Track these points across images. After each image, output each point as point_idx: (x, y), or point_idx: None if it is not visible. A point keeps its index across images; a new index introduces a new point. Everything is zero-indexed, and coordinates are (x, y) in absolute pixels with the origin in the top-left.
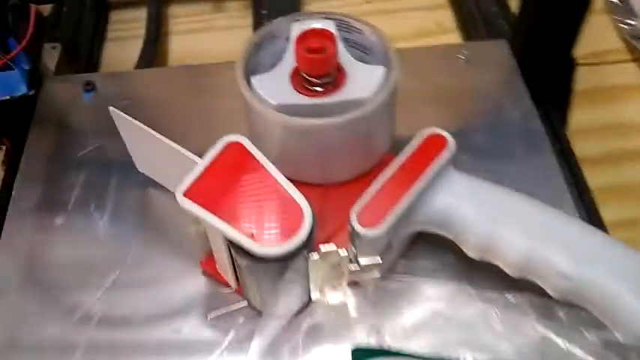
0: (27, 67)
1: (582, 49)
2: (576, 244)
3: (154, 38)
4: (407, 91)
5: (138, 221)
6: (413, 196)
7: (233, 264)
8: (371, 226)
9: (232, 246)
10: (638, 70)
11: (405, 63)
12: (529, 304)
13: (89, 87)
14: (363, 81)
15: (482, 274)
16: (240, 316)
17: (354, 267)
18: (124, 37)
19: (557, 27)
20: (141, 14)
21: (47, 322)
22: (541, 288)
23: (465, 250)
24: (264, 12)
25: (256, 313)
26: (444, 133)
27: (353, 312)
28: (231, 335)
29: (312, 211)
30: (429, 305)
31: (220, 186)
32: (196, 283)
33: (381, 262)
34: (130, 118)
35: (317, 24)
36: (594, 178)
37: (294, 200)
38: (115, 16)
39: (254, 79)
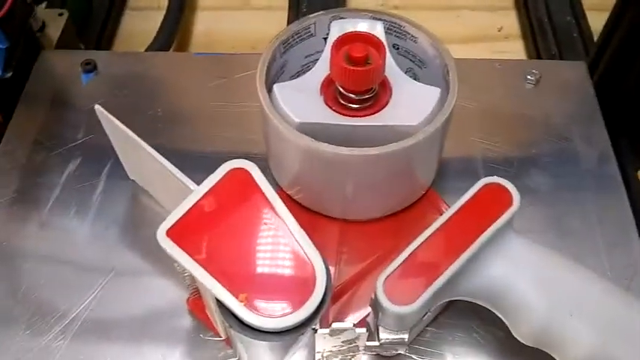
0: (2, 46)
1: None
2: None
3: (178, 12)
4: (458, 110)
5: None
6: (458, 266)
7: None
8: (402, 301)
9: (221, 307)
10: None
11: (460, 75)
12: None
13: (89, 67)
14: (413, 104)
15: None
16: None
17: (373, 343)
18: (147, 7)
19: None
20: None
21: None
22: None
23: (513, 331)
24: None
25: None
26: (509, 186)
27: None
28: None
29: (328, 273)
30: None
31: (214, 227)
32: (182, 321)
33: (407, 339)
34: (120, 125)
35: (362, 24)
36: None
37: (307, 257)
38: None
39: (277, 88)
